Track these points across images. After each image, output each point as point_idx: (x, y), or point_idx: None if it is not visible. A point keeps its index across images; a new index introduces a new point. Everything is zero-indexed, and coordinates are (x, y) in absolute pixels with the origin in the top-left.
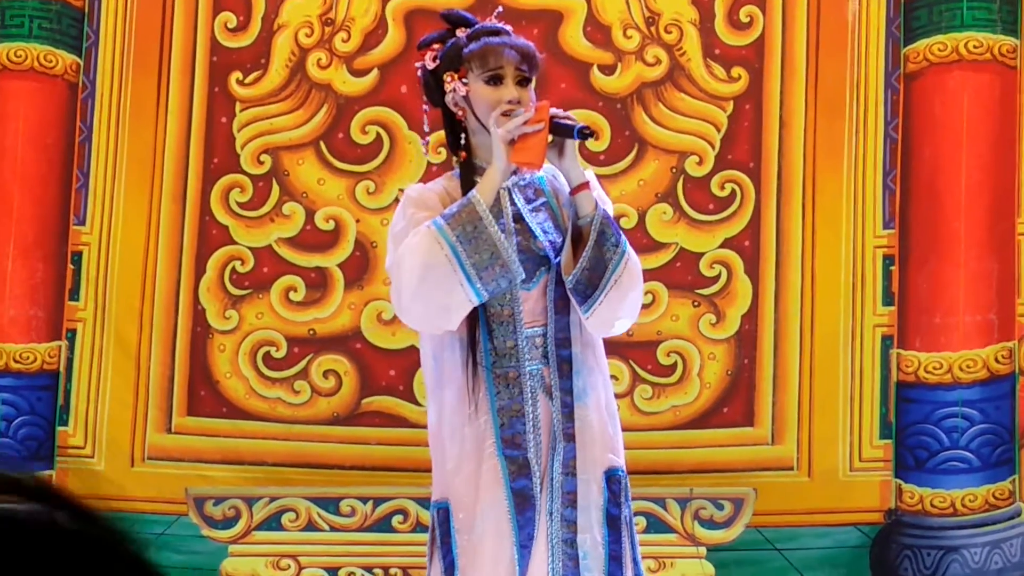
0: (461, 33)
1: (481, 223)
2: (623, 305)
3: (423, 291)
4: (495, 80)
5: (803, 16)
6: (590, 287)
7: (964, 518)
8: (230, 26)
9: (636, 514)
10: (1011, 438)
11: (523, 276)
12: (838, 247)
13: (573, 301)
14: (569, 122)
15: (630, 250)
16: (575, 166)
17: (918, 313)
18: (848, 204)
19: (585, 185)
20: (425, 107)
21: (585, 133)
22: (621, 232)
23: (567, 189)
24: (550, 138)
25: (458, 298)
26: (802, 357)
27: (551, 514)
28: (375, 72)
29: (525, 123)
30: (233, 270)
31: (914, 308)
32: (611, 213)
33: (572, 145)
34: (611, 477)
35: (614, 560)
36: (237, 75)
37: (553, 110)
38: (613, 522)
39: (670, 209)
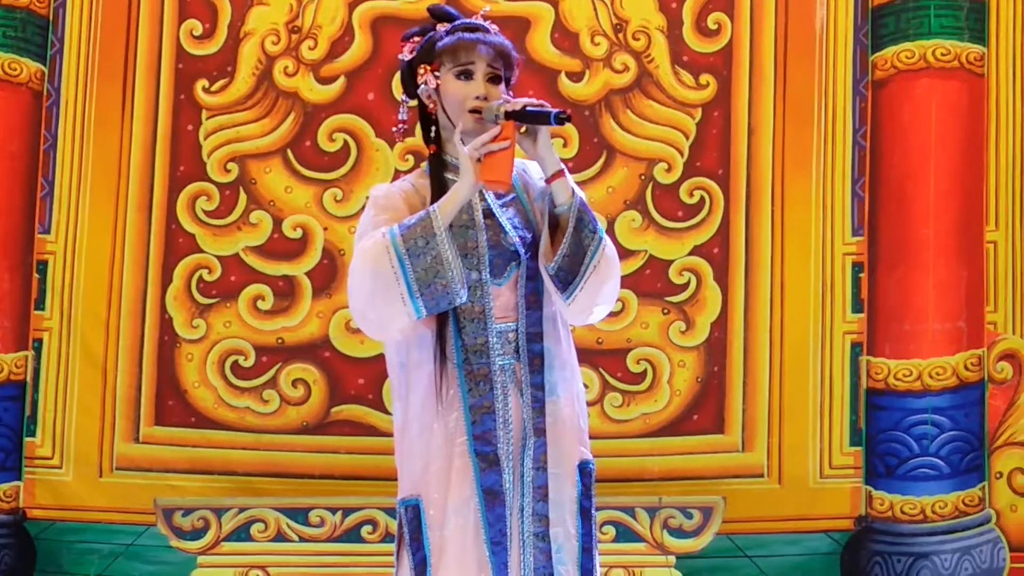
0: (442, 28)
1: (434, 239)
2: (602, 291)
3: (371, 298)
4: (465, 75)
5: (771, 23)
6: (571, 273)
7: (934, 525)
8: (196, 33)
9: (605, 523)
10: (980, 445)
11: (464, 300)
12: (807, 254)
13: (553, 288)
14: (544, 109)
15: (606, 237)
16: (550, 154)
17: (887, 320)
18: (817, 211)
19: (561, 173)
20: (402, 98)
21: (562, 118)
22: (597, 219)
23: (538, 183)
24: (523, 128)
25: (397, 309)
26: (772, 364)
27: (522, 509)
28: (342, 80)
29: (492, 140)
30: (200, 279)
31: (883, 315)
32: (585, 201)
33: (545, 133)
34: (583, 470)
35: (586, 552)
36: (203, 83)
37: (526, 99)
38: (585, 514)
39: (639, 216)
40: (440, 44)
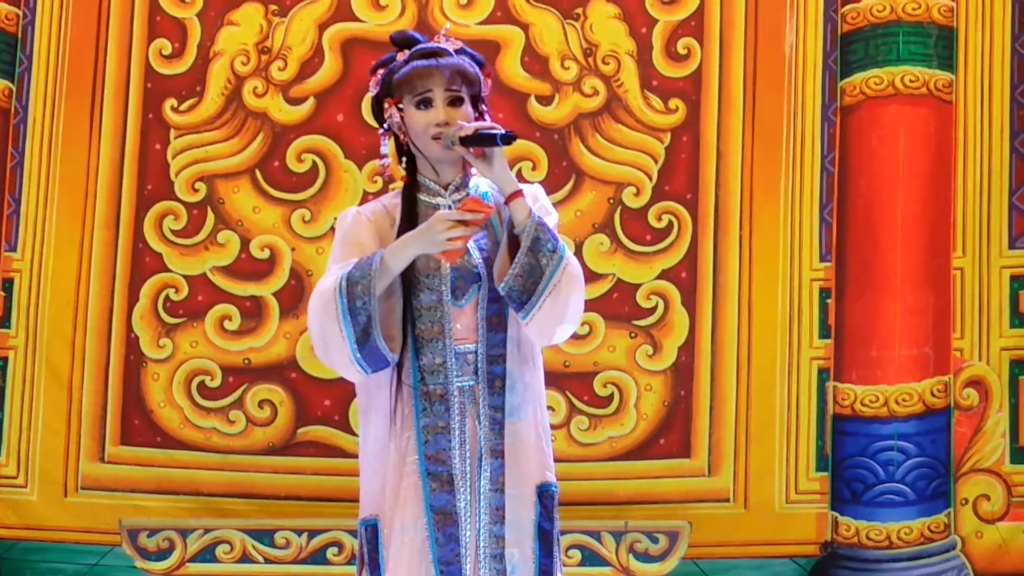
0: (401, 57)
1: (369, 300)
2: (564, 311)
3: (326, 350)
4: (424, 104)
5: (740, 48)
6: (525, 293)
7: (900, 551)
8: (165, 53)
9: (571, 547)
10: (946, 471)
11: (395, 362)
12: (775, 279)
13: (512, 311)
14: (492, 131)
15: (569, 256)
16: (506, 175)
17: (854, 346)
18: (785, 236)
19: (518, 193)
20: (381, 131)
21: (509, 138)
22: (559, 238)
23: None
24: (476, 151)
25: (348, 368)
26: (739, 389)
27: (479, 531)
28: (311, 100)
29: (469, 224)
30: (167, 298)
31: (850, 341)
32: (554, 223)
33: (499, 154)
34: (543, 492)
35: (544, 574)
36: (172, 102)
37: (478, 124)
38: (544, 536)
39: (607, 240)
40: (397, 76)
